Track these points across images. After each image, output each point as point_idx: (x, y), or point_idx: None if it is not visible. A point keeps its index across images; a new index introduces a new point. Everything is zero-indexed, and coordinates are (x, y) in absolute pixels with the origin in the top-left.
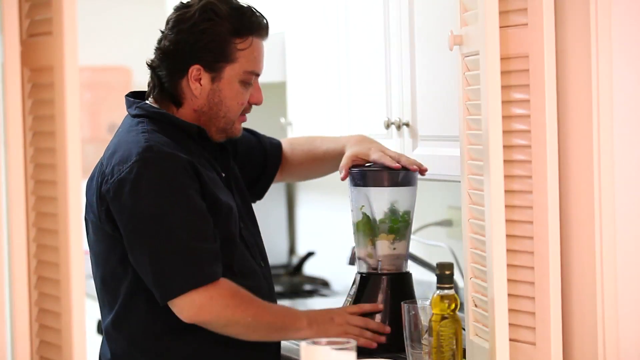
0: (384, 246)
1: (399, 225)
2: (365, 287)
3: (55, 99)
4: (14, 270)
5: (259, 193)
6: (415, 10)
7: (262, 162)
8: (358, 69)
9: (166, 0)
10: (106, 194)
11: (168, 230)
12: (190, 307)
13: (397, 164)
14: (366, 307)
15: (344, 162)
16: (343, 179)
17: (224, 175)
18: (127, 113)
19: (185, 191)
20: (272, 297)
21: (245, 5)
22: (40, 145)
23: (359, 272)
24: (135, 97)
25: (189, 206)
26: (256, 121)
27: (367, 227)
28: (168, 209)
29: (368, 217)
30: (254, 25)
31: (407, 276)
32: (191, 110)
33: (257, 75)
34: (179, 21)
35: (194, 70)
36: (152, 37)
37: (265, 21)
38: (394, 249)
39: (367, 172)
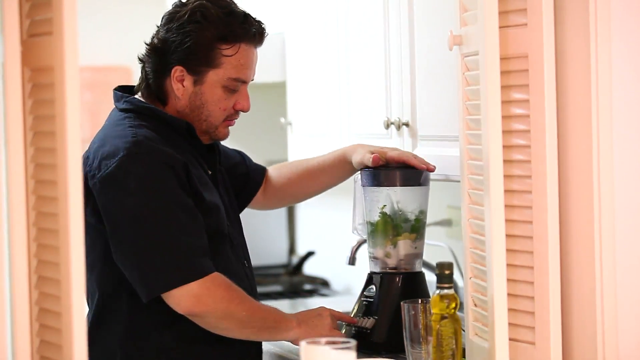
0: (406, 245)
1: (420, 224)
2: (381, 287)
3: (56, 99)
4: (15, 269)
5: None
6: (415, 10)
7: (244, 178)
8: (358, 68)
9: (166, 0)
10: (93, 188)
11: (158, 227)
12: (187, 297)
13: (423, 165)
14: (346, 318)
15: (367, 156)
16: (374, 161)
17: (210, 173)
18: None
19: (172, 188)
20: (254, 296)
21: (239, 11)
22: (40, 145)
23: (372, 272)
24: (123, 91)
25: (177, 203)
26: (256, 121)
27: (388, 227)
28: (157, 205)
29: (389, 217)
30: (243, 32)
31: (421, 275)
32: (174, 110)
33: (244, 82)
34: (171, 19)
35: (177, 71)
36: None
37: (258, 29)
38: (415, 247)
39: (396, 172)
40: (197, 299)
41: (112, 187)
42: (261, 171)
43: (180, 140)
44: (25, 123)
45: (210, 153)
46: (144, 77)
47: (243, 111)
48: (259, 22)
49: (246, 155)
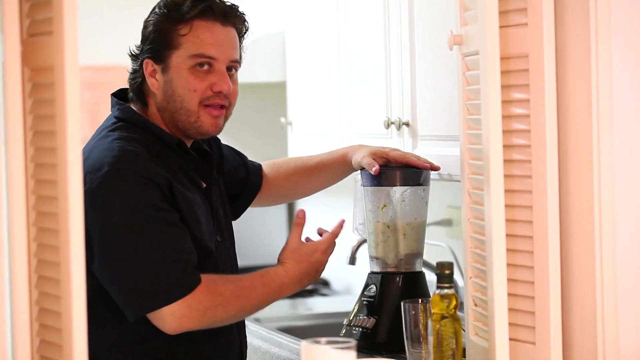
0: (406, 245)
1: (420, 224)
2: (381, 286)
3: (56, 99)
4: (15, 269)
5: (236, 212)
6: (415, 10)
7: (244, 182)
8: (358, 68)
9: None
10: None
11: (144, 243)
12: (171, 318)
13: (426, 164)
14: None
15: (368, 159)
16: (376, 172)
17: (204, 185)
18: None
19: (158, 204)
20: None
21: None
22: (40, 144)
23: (372, 272)
24: (123, 94)
25: (163, 218)
26: (256, 121)
27: (388, 227)
28: (143, 222)
29: (390, 216)
30: (193, 9)
31: (421, 275)
32: (155, 110)
33: (211, 58)
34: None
35: (148, 65)
36: None
37: (218, 5)
38: (415, 247)
39: (396, 172)
40: (180, 318)
41: (98, 203)
42: (259, 172)
43: (171, 155)
44: (25, 123)
45: (206, 163)
46: (129, 85)
47: (222, 92)
48: (224, 2)
49: (244, 155)
